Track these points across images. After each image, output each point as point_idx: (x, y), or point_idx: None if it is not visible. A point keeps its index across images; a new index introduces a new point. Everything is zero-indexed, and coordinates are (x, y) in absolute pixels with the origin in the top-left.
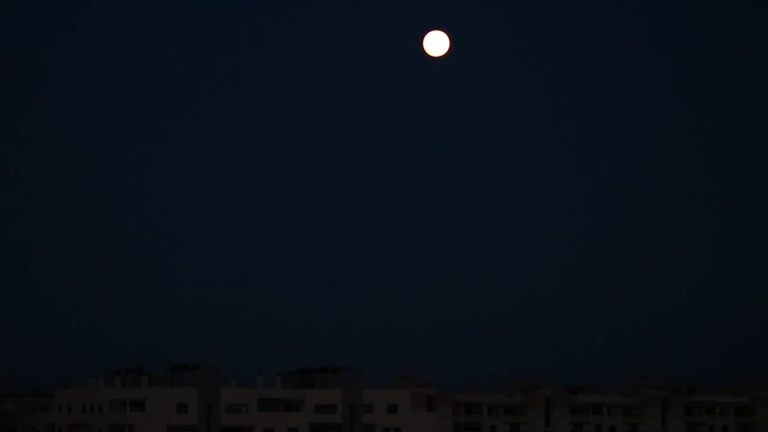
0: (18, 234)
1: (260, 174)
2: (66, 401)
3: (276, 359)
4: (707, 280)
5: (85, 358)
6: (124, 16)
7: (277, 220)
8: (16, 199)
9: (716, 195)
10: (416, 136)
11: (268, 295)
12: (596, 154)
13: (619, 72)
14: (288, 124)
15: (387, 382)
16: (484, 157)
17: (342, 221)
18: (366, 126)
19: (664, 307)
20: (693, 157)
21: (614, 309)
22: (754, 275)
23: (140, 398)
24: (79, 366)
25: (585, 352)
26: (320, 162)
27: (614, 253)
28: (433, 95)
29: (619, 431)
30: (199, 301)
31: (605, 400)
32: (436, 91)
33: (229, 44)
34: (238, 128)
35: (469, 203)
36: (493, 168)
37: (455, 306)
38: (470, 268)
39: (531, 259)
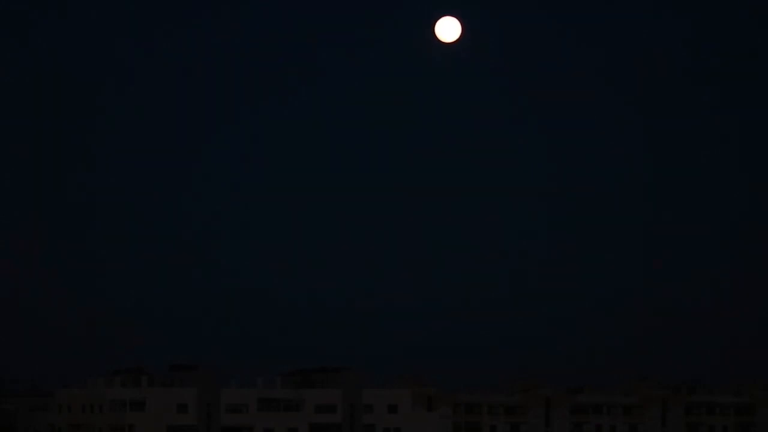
0: (17, 234)
1: (260, 172)
2: (66, 401)
3: (276, 359)
4: (708, 280)
5: (85, 358)
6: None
7: (277, 219)
8: (15, 199)
9: (715, 194)
10: (426, 126)
11: (268, 294)
12: (604, 146)
13: (630, 61)
14: (291, 118)
15: (387, 382)
16: (491, 150)
17: (342, 221)
18: (372, 118)
19: (664, 307)
20: (701, 153)
21: (614, 309)
22: (755, 275)
23: (140, 398)
24: (79, 366)
25: (585, 352)
26: (322, 158)
27: (614, 253)
28: (445, 81)
29: (619, 431)
30: (199, 301)
31: (605, 400)
32: (448, 77)
33: (231, 35)
34: (237, 126)
35: (473, 199)
36: (496, 163)
37: (455, 306)
38: (470, 268)
39: (531, 259)
